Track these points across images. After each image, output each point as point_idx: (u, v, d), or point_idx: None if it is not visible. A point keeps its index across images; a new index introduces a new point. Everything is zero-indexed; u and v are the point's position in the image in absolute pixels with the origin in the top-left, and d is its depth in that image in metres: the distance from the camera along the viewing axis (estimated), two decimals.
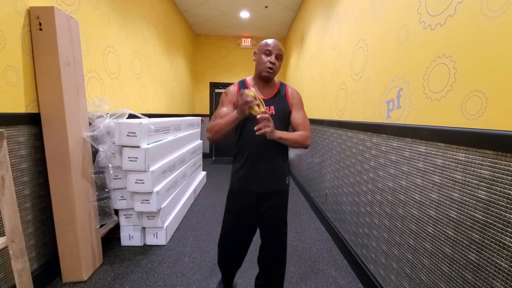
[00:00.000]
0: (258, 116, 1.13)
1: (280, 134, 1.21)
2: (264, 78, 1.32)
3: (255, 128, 1.13)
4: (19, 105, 1.49)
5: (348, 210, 2.09)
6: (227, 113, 1.28)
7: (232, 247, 1.48)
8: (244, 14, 4.69)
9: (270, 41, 1.30)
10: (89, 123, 1.85)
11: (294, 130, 1.37)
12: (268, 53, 1.29)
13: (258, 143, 1.28)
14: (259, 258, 1.54)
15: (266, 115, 1.13)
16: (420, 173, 1.24)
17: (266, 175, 1.32)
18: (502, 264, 0.86)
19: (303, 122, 1.36)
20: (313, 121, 3.24)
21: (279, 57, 1.30)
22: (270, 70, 1.29)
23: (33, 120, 1.56)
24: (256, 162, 1.31)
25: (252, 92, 1.17)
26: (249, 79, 1.41)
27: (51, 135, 1.59)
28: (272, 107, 1.32)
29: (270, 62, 1.27)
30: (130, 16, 2.77)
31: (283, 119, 1.34)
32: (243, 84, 1.39)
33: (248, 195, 1.35)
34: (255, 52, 1.37)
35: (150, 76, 3.44)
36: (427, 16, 1.22)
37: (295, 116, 1.37)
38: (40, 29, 1.54)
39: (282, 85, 1.41)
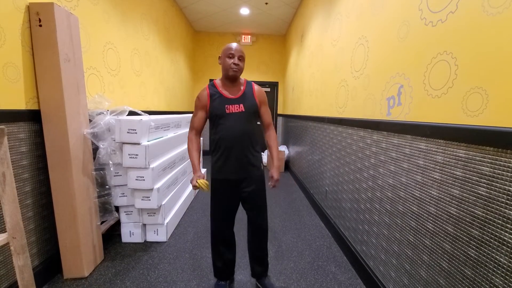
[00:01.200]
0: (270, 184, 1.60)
1: (278, 162, 1.58)
2: (231, 78, 1.49)
3: (270, 185, 1.59)
4: (19, 101, 1.49)
5: (348, 207, 2.10)
6: (200, 120, 1.54)
7: (221, 229, 1.62)
8: (244, 11, 4.67)
9: (232, 45, 1.47)
10: (89, 120, 1.85)
11: (264, 127, 1.63)
12: (231, 56, 1.46)
13: (231, 138, 1.47)
14: (248, 240, 1.71)
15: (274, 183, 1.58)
16: (420, 170, 1.25)
17: (240, 164, 1.51)
18: (502, 260, 0.86)
19: (270, 120, 1.62)
20: (313, 118, 3.24)
21: (241, 58, 1.48)
22: (236, 70, 1.46)
23: (33, 117, 1.56)
24: (231, 154, 1.49)
25: (201, 185, 1.40)
26: (217, 81, 1.56)
27: (51, 132, 1.59)
28: (241, 105, 1.49)
29: (234, 64, 1.45)
30: (129, 13, 2.76)
31: (252, 114, 1.52)
32: (212, 86, 1.53)
33: (228, 183, 1.54)
34: (219, 56, 1.52)
35: (150, 73, 3.43)
36: (428, 12, 1.22)
37: (264, 114, 1.60)
38: (40, 25, 1.54)
39: (248, 83, 1.57)
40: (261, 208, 1.62)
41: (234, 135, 1.46)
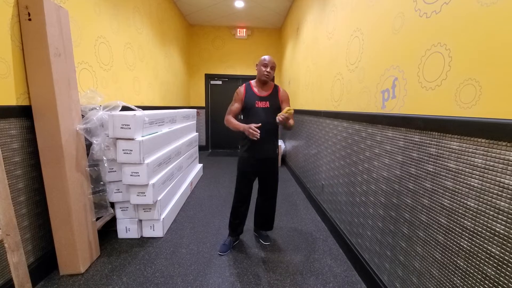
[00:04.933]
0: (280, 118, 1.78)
1: (292, 121, 1.93)
2: (263, 82, 1.99)
3: (278, 119, 1.78)
4: (9, 97, 1.46)
5: (344, 200, 2.11)
6: (237, 108, 1.99)
7: (242, 194, 2.09)
8: (239, 4, 4.61)
9: (267, 57, 1.95)
10: (82, 115, 1.83)
11: None
12: (266, 66, 1.94)
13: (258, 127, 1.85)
14: (258, 201, 2.25)
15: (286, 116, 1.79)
16: (414, 163, 1.25)
17: (262, 146, 1.96)
18: (493, 250, 0.87)
19: None
20: (308, 112, 3.24)
21: (273, 68, 1.96)
22: (267, 77, 1.95)
23: (24, 113, 1.54)
24: (257, 139, 1.82)
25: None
26: (253, 81, 2.04)
27: (43, 128, 1.57)
28: (267, 102, 1.97)
29: (267, 71, 1.93)
30: (121, 6, 2.71)
31: (275, 110, 1.96)
32: (248, 86, 2.02)
33: (252, 160, 2.00)
34: (256, 64, 2.01)
35: (144, 67, 3.39)
36: (423, 3, 1.21)
37: (285, 107, 1.95)
38: (29, 19, 1.50)
39: (276, 87, 2.06)
40: (274, 182, 2.12)
41: (260, 123, 1.84)
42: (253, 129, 1.73)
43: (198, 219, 2.60)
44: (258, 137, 1.73)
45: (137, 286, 1.65)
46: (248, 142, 1.95)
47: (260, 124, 1.79)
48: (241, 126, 1.86)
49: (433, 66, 1.14)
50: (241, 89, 2.01)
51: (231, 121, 1.95)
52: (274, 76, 1.79)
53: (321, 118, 2.74)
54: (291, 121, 1.91)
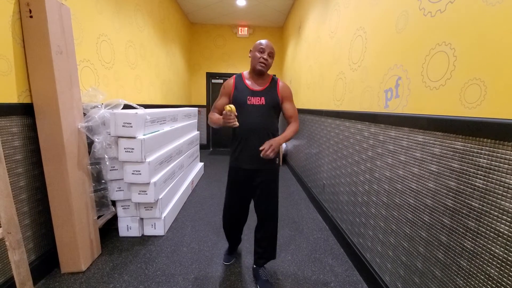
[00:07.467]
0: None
1: (283, 139, 1.50)
2: (258, 72, 1.55)
3: (262, 155, 1.40)
4: (11, 95, 1.46)
5: (345, 200, 2.10)
6: (222, 104, 1.60)
7: (232, 213, 1.75)
8: (241, 2, 4.59)
9: (264, 41, 1.54)
10: (84, 113, 1.83)
11: (286, 120, 1.64)
12: (262, 51, 1.52)
13: (249, 129, 1.53)
14: (256, 228, 1.76)
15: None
16: (418, 162, 1.24)
17: (255, 155, 1.50)
18: (497, 251, 0.87)
19: (293, 113, 1.62)
20: (310, 112, 3.23)
21: (271, 55, 1.54)
22: (263, 65, 1.52)
23: (26, 111, 1.53)
24: (247, 145, 1.55)
25: (228, 107, 1.38)
26: (246, 73, 1.63)
27: (45, 126, 1.57)
28: (263, 98, 1.54)
29: (263, 58, 1.51)
30: (123, 4, 2.70)
31: (272, 108, 1.57)
32: (239, 77, 1.62)
33: (241, 172, 1.61)
34: (250, 50, 1.59)
35: (145, 66, 3.38)
36: (427, 2, 1.20)
37: (287, 108, 1.62)
38: (31, 17, 1.49)
39: (274, 79, 1.63)
40: (269, 200, 1.65)
41: (252, 126, 1.53)
42: (227, 114, 1.38)
43: (199, 218, 2.60)
44: (235, 123, 1.39)
45: (138, 284, 1.65)
46: (238, 147, 1.58)
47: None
48: (220, 120, 1.48)
49: (438, 65, 1.13)
50: (230, 81, 1.61)
51: (212, 117, 1.58)
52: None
53: (322, 118, 2.73)
54: (284, 137, 1.51)
